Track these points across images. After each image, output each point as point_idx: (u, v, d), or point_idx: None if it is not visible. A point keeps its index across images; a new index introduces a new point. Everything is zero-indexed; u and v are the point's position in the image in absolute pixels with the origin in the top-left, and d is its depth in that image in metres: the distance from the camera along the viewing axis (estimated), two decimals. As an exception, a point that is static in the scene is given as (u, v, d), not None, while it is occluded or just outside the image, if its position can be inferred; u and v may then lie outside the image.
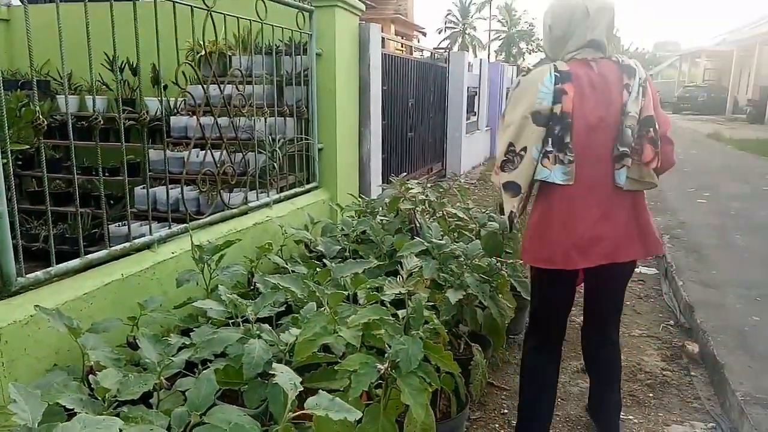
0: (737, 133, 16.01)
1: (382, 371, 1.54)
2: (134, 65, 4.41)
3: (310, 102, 3.94)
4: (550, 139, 1.93)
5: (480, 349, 2.27)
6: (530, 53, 49.18)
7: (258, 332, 1.70)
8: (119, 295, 2.28)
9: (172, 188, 3.46)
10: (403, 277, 1.68)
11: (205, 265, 2.36)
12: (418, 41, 26.70)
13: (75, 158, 2.24)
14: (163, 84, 3.48)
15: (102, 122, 2.32)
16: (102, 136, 4.53)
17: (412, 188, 3.23)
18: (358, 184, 4.67)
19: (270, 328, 1.75)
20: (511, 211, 2.01)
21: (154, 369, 1.70)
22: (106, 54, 4.19)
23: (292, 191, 3.75)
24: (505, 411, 2.67)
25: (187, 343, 1.85)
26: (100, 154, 2.30)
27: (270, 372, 1.61)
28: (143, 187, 3.78)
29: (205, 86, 2.94)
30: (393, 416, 1.62)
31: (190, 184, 3.59)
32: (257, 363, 1.59)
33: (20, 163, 4.45)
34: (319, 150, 4.07)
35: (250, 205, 3.27)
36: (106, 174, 4.32)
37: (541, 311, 2.25)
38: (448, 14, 48.68)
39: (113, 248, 2.35)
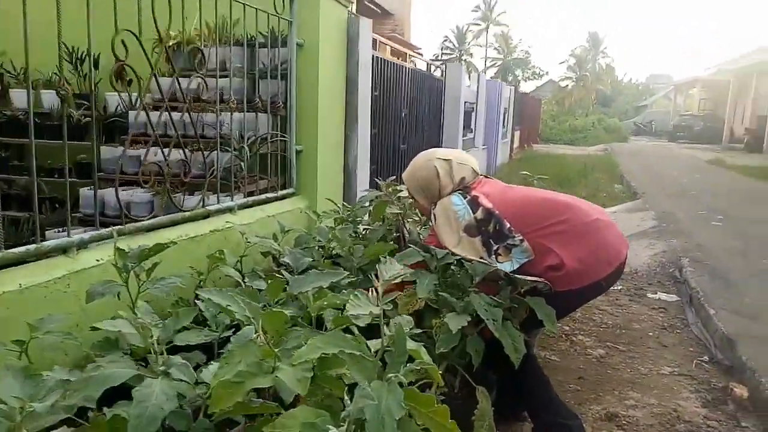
0: (739, 161, 15.70)
1: (340, 436, 1.00)
2: (96, 57, 3.93)
3: (288, 97, 3.44)
4: (489, 240, 2.04)
5: (486, 393, 1.70)
6: (525, 81, 49.22)
7: (164, 368, 1.15)
8: (12, 311, 1.74)
9: (123, 190, 3.06)
10: (377, 292, 1.15)
11: (131, 275, 1.83)
12: (415, 65, 26.45)
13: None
14: (128, 78, 3.01)
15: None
16: (58, 132, 4.03)
17: (401, 191, 2.70)
18: (343, 193, 4.15)
19: (185, 362, 1.20)
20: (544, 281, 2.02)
21: (13, 417, 1.17)
22: (65, 45, 3.70)
23: (263, 197, 3.23)
24: (513, 468, 2.12)
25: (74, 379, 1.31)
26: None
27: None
28: (91, 189, 3.27)
29: (158, 79, 2.47)
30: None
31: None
32: (152, 416, 1.04)
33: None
34: (298, 152, 3.56)
35: (209, 209, 2.76)
36: (55, 175, 3.81)
37: None
38: (444, 40, 48.81)
39: (8, 251, 1.82)
